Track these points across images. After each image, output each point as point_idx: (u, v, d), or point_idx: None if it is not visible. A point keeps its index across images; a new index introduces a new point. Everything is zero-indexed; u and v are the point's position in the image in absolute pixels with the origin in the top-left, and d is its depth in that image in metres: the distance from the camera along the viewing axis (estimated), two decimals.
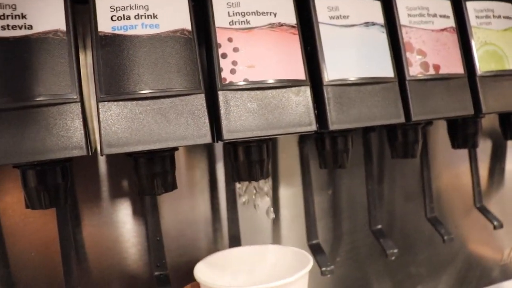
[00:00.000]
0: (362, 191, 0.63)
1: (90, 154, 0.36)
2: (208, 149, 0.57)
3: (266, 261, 0.52)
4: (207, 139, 0.38)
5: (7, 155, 0.34)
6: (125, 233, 0.54)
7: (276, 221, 0.62)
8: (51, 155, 0.35)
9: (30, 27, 0.35)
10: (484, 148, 0.76)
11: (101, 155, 0.37)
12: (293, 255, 0.51)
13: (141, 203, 0.53)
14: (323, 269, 0.53)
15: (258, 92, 0.40)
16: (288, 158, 0.61)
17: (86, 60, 0.47)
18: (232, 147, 0.45)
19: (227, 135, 0.39)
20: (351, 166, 0.53)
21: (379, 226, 0.61)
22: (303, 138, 0.58)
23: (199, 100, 0.38)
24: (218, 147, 0.57)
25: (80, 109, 0.36)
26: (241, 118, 0.39)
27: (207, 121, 0.38)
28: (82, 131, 0.36)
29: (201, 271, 0.49)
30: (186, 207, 0.57)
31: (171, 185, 0.44)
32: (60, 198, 0.41)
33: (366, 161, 0.61)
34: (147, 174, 0.42)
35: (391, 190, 0.69)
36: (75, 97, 0.36)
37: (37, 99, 0.35)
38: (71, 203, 0.51)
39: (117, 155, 0.51)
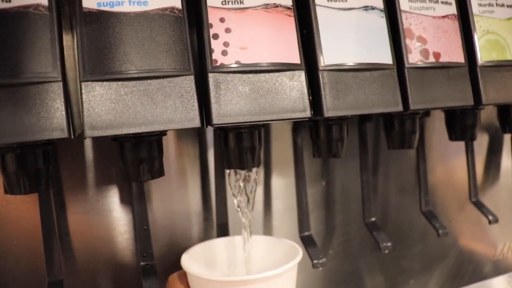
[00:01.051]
0: (356, 183, 0.62)
1: (72, 136, 0.35)
2: (198, 135, 0.55)
3: (256, 252, 0.51)
4: (196, 123, 0.36)
5: None
6: (112, 221, 0.53)
7: (267, 212, 0.60)
8: (30, 137, 0.33)
9: (9, 0, 0.33)
10: (480, 141, 0.75)
11: (84, 138, 0.35)
12: (283, 246, 0.50)
13: (128, 191, 0.52)
14: (315, 261, 0.52)
15: (250, 75, 0.38)
16: (281, 147, 0.59)
17: (74, 41, 0.45)
18: (222, 133, 0.43)
19: (217, 120, 0.37)
20: (345, 157, 0.51)
21: (373, 219, 0.60)
22: (297, 126, 0.57)
23: (188, 82, 0.36)
24: (209, 133, 0.56)
25: (61, 89, 0.34)
26: (232, 102, 0.37)
27: (196, 104, 0.36)
28: (64, 112, 0.34)
29: (188, 260, 0.48)
30: (175, 195, 0.55)
31: (158, 172, 0.42)
32: (41, 183, 0.39)
33: (361, 151, 0.59)
34: (132, 159, 0.40)
35: (385, 183, 0.68)
36: (56, 76, 0.34)
37: (16, 77, 0.33)
38: (55, 189, 0.49)
39: (103, 140, 0.49)
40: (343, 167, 0.63)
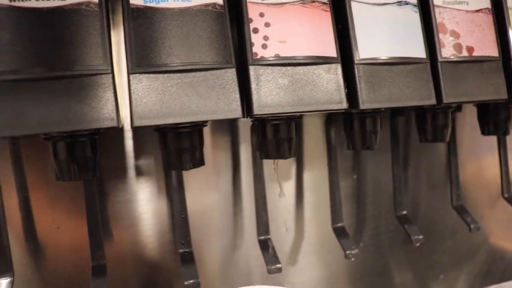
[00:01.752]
0: (386, 177, 0.62)
1: (120, 126, 0.37)
2: (232, 130, 0.57)
3: None
4: (238, 113, 0.38)
5: (39, 125, 0.34)
6: (150, 210, 0.54)
7: (299, 204, 0.61)
8: (83, 126, 0.35)
9: None
10: None
11: (131, 127, 0.37)
12: None
13: (166, 181, 0.53)
14: (347, 252, 0.53)
15: (289, 68, 0.39)
16: (312, 140, 0.60)
17: (114, 36, 0.47)
18: (260, 124, 0.45)
19: (257, 110, 0.38)
20: (376, 151, 0.52)
21: (404, 212, 0.61)
22: (329, 120, 0.58)
23: (230, 75, 0.38)
24: (243, 129, 0.57)
25: (111, 81, 0.36)
26: (272, 94, 0.39)
27: (237, 95, 0.38)
28: (114, 103, 0.36)
29: None
30: (207, 185, 0.56)
31: (199, 161, 0.44)
32: (89, 170, 0.41)
33: (393, 145, 0.60)
34: (175, 149, 0.42)
35: (416, 177, 0.68)
36: (107, 68, 0.36)
37: (69, 69, 0.35)
38: (97, 178, 0.51)
39: (143, 131, 0.51)
40: (374, 161, 0.64)
